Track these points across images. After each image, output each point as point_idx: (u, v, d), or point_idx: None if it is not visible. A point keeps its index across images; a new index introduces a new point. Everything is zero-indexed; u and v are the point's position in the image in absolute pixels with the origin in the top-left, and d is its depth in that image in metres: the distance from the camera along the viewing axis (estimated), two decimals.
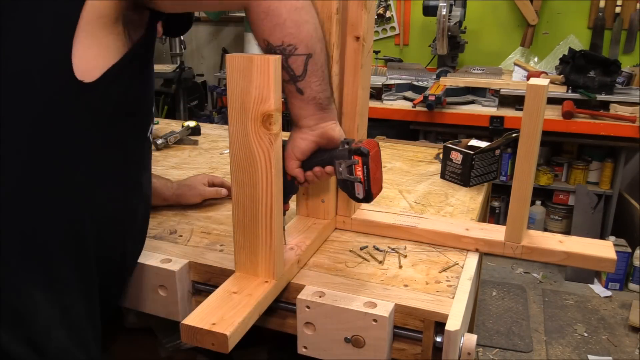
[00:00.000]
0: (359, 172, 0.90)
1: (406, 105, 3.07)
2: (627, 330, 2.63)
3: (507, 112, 2.93)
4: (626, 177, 3.31)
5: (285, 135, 0.89)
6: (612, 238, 3.02)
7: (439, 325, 0.88)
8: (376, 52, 3.64)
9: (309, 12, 0.82)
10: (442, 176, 1.54)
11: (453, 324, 0.85)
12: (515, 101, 3.03)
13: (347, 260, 1.08)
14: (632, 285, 2.96)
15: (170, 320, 1.04)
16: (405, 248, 1.12)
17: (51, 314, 0.80)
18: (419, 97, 3.00)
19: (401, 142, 1.97)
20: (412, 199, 1.39)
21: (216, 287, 0.93)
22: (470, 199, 1.40)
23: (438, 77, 3.23)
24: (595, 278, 3.06)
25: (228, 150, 0.89)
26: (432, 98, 2.87)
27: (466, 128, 2.95)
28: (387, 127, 2.95)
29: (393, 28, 3.84)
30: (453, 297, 0.94)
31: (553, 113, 2.85)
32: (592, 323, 2.70)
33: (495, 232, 1.12)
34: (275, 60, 0.80)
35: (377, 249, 1.12)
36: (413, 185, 1.49)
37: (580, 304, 2.86)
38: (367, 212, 1.22)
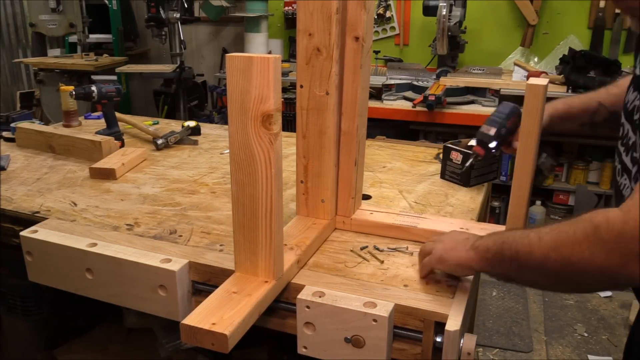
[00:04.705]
0: None
1: (406, 105, 3.07)
2: (627, 330, 2.62)
3: None
4: None
5: (285, 135, 0.89)
6: None
7: (439, 326, 0.88)
8: (376, 52, 3.64)
9: None
10: (442, 176, 1.54)
11: (453, 324, 0.85)
12: (516, 101, 3.02)
13: (347, 260, 1.08)
14: None
15: (170, 320, 1.04)
16: (407, 248, 1.12)
17: None
18: (419, 97, 3.00)
19: (401, 142, 1.97)
20: (412, 199, 1.39)
21: (216, 287, 0.93)
22: (470, 199, 1.40)
23: (438, 77, 3.23)
24: None
25: (228, 150, 0.89)
26: (432, 98, 2.87)
27: (466, 128, 2.95)
28: (387, 127, 2.94)
29: (393, 28, 3.84)
30: (453, 297, 0.94)
31: None
32: (592, 323, 2.70)
33: None
34: (274, 60, 0.80)
35: (377, 249, 1.12)
36: (413, 185, 1.49)
37: (580, 304, 2.86)
38: (367, 212, 1.22)
